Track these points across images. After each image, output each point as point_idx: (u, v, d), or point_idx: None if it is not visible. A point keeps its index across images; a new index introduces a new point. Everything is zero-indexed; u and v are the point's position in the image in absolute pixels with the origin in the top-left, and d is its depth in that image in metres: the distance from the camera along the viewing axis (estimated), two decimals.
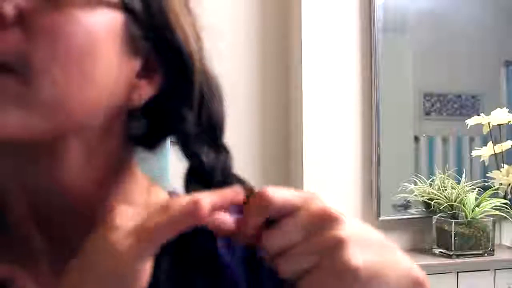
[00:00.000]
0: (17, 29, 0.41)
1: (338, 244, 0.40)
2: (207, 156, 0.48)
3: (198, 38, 0.49)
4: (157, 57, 0.47)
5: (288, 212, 0.41)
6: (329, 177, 2.23)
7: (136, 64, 0.47)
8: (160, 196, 0.55)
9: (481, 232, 2.15)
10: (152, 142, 0.53)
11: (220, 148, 0.50)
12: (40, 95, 0.41)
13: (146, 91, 0.48)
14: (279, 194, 0.41)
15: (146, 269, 0.39)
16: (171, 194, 0.56)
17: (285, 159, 2.30)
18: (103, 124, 0.46)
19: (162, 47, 0.47)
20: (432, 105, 2.42)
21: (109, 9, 0.44)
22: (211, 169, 0.48)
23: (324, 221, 0.41)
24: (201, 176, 0.48)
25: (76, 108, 0.43)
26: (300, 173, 2.20)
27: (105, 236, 0.40)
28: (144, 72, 0.48)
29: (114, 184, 0.50)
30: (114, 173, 0.50)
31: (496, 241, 2.24)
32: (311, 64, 2.20)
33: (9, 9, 0.40)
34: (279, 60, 2.29)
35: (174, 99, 0.48)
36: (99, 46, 0.43)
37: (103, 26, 0.43)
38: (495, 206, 2.16)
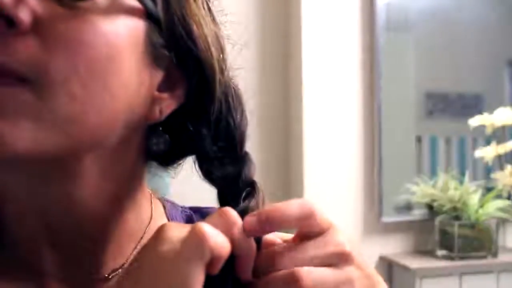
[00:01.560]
0: (33, 38, 0.38)
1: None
2: (223, 172, 0.46)
3: (221, 48, 0.47)
4: (179, 68, 0.45)
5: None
6: (331, 179, 2.22)
7: (157, 76, 0.44)
8: (159, 208, 0.54)
9: (485, 234, 2.14)
10: (168, 159, 0.51)
11: (238, 160, 0.47)
12: (57, 109, 0.38)
13: (168, 105, 0.45)
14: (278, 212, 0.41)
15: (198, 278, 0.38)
16: (165, 202, 0.56)
17: (286, 160, 2.29)
18: (121, 140, 0.43)
19: (183, 58, 0.44)
20: (435, 105, 2.40)
21: (131, 17, 0.41)
22: (225, 184, 0.46)
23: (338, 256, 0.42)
24: (220, 190, 0.46)
25: (94, 123, 0.40)
26: (301, 174, 2.19)
27: (156, 247, 0.39)
28: (166, 85, 0.45)
29: (127, 200, 0.48)
30: (128, 189, 0.48)
31: (500, 243, 2.24)
32: (312, 64, 2.19)
33: (24, 16, 0.37)
34: (279, 61, 2.28)
35: (194, 114, 0.46)
36: (120, 56, 0.40)
37: (125, 35, 0.41)
38: (498, 207, 2.14)
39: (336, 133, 2.23)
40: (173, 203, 0.58)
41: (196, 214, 0.58)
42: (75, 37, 0.38)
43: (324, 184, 2.20)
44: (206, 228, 0.38)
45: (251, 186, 0.45)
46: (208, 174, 0.46)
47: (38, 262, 0.47)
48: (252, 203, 0.44)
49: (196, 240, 0.38)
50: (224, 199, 0.46)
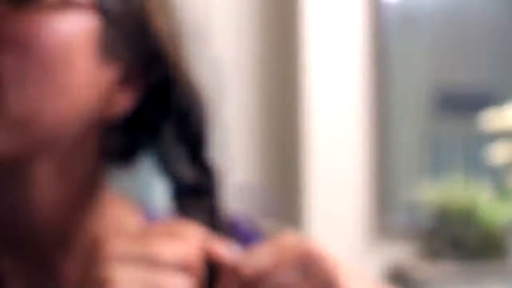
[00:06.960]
0: None
1: None
2: (186, 174, 0.45)
3: (178, 43, 0.47)
4: (136, 63, 0.45)
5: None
6: (336, 179, 2.22)
7: (113, 72, 0.44)
8: (125, 209, 0.54)
9: (496, 237, 2.15)
10: (127, 158, 0.51)
11: (203, 166, 0.46)
12: (9, 110, 0.39)
13: (125, 101, 0.45)
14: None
15: None
16: (133, 203, 0.55)
17: (291, 162, 2.29)
18: (77, 139, 0.43)
19: (139, 52, 0.45)
20: (444, 104, 2.39)
21: (82, 12, 0.41)
22: (191, 189, 0.45)
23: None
24: (184, 196, 0.45)
25: (48, 123, 0.40)
26: (306, 176, 2.20)
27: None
28: (123, 81, 0.45)
29: (89, 203, 0.48)
30: (89, 191, 0.48)
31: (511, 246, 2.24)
32: (318, 62, 2.21)
33: None
34: (283, 61, 2.30)
35: (152, 110, 0.46)
36: (72, 54, 0.41)
37: (76, 31, 0.41)
38: (510, 210, 2.14)
39: (342, 133, 2.24)
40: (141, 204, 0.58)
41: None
42: (23, 37, 0.39)
43: (329, 185, 2.20)
44: None
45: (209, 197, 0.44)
46: (163, 168, 0.46)
47: None
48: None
49: None
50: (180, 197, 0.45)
